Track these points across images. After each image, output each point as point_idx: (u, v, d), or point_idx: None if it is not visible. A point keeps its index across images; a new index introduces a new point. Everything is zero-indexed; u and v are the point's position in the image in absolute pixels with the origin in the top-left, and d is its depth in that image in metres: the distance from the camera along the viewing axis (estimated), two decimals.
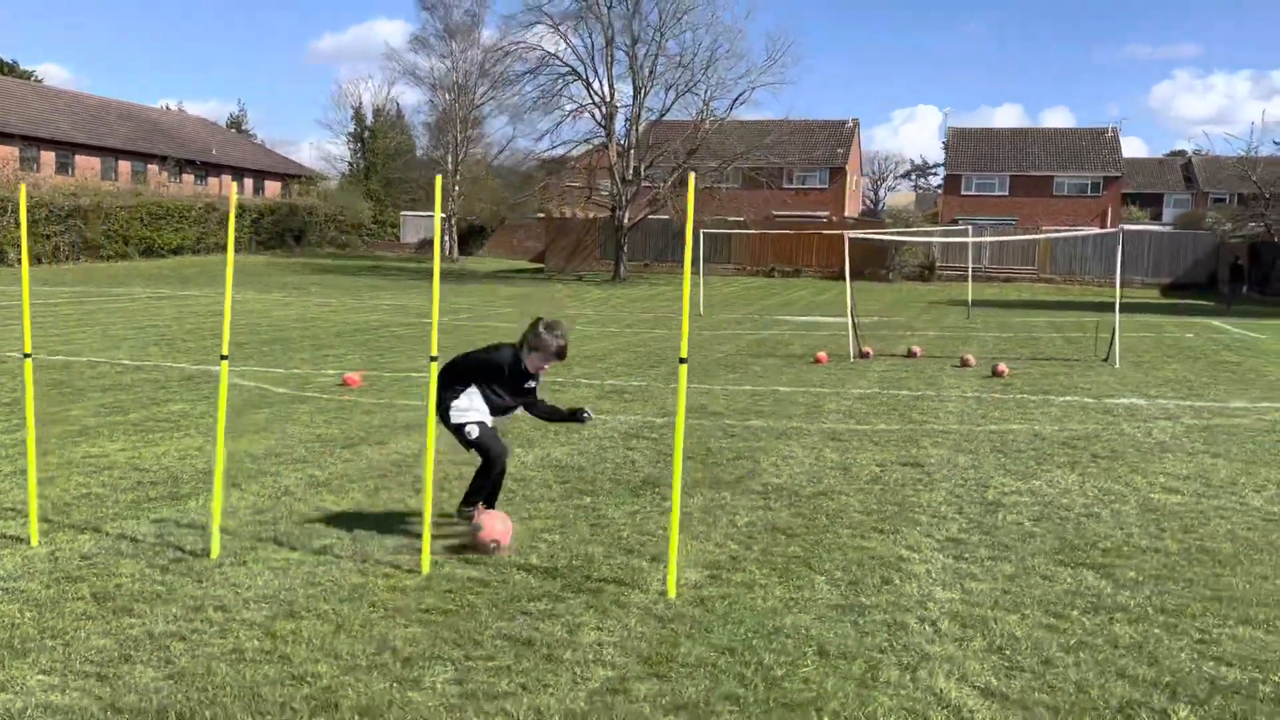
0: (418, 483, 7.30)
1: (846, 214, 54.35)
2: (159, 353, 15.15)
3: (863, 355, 17.09)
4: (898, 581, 5.02)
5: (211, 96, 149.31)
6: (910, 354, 17.39)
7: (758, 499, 6.82)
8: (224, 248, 51.04)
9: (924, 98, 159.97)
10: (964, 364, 15.76)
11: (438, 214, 5.40)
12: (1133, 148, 75.64)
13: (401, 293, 33.51)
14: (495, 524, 5.45)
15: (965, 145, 55.35)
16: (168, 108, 79.37)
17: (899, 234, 34.66)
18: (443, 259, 55.24)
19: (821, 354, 16.68)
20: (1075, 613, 4.61)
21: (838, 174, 54.77)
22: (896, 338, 20.68)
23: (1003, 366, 14.76)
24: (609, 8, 41.33)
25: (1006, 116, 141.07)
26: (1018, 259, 45.27)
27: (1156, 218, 63.17)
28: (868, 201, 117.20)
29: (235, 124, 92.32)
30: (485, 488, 6.01)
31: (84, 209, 42.35)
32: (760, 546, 5.67)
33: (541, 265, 49.85)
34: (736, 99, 41.81)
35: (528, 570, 5.20)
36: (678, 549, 5.59)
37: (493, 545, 5.40)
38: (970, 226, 36.87)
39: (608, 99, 41.87)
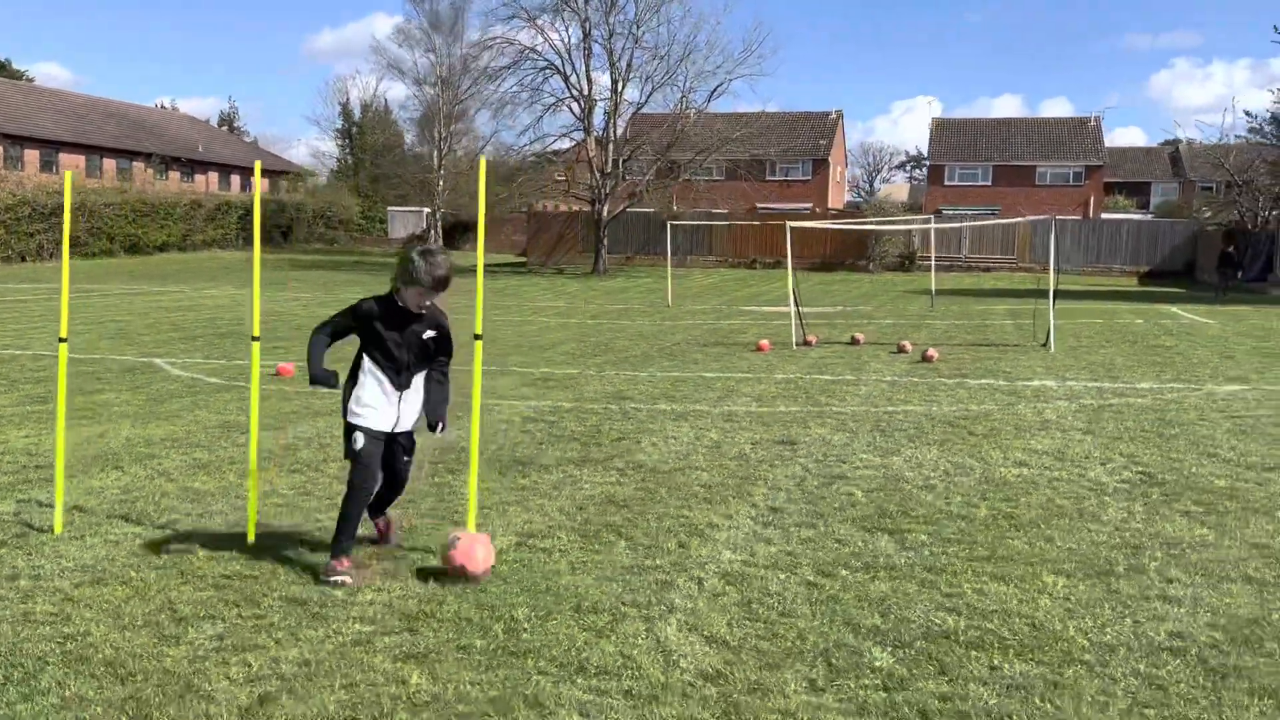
0: (295, 463, 7.58)
1: (830, 205, 54.51)
2: (109, 346, 15.43)
3: (806, 343, 17.31)
4: (694, 546, 5.26)
5: (210, 94, 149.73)
6: (853, 341, 17.60)
7: (613, 474, 7.06)
8: (210, 244, 51.45)
9: (924, 89, 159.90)
10: (900, 350, 15.98)
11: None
12: (1131, 137, 75.82)
13: (379, 287, 33.63)
14: (476, 550, 4.71)
15: (948, 136, 55.49)
16: (161, 106, 79.73)
17: (836, 224, 34.90)
18: None
19: (764, 342, 16.89)
20: (844, 571, 4.85)
21: (821, 166, 54.95)
22: (851, 326, 20.88)
23: (933, 351, 14.98)
24: (585, 1, 41.52)
25: (1006, 107, 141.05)
26: (997, 249, 45.43)
27: (1144, 206, 63.25)
28: (863, 192, 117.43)
29: (227, 121, 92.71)
30: (351, 529, 4.83)
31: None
32: (584, 516, 5.92)
33: (525, 259, 50.10)
34: (714, 90, 42.02)
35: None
36: (505, 520, 5.86)
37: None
38: (933, 216, 37.01)
39: (586, 92, 42.07)
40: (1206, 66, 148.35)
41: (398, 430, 5.05)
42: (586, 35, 41.93)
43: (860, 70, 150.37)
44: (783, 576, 4.76)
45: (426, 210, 56.04)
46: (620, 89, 42.21)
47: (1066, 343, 17.06)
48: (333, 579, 4.63)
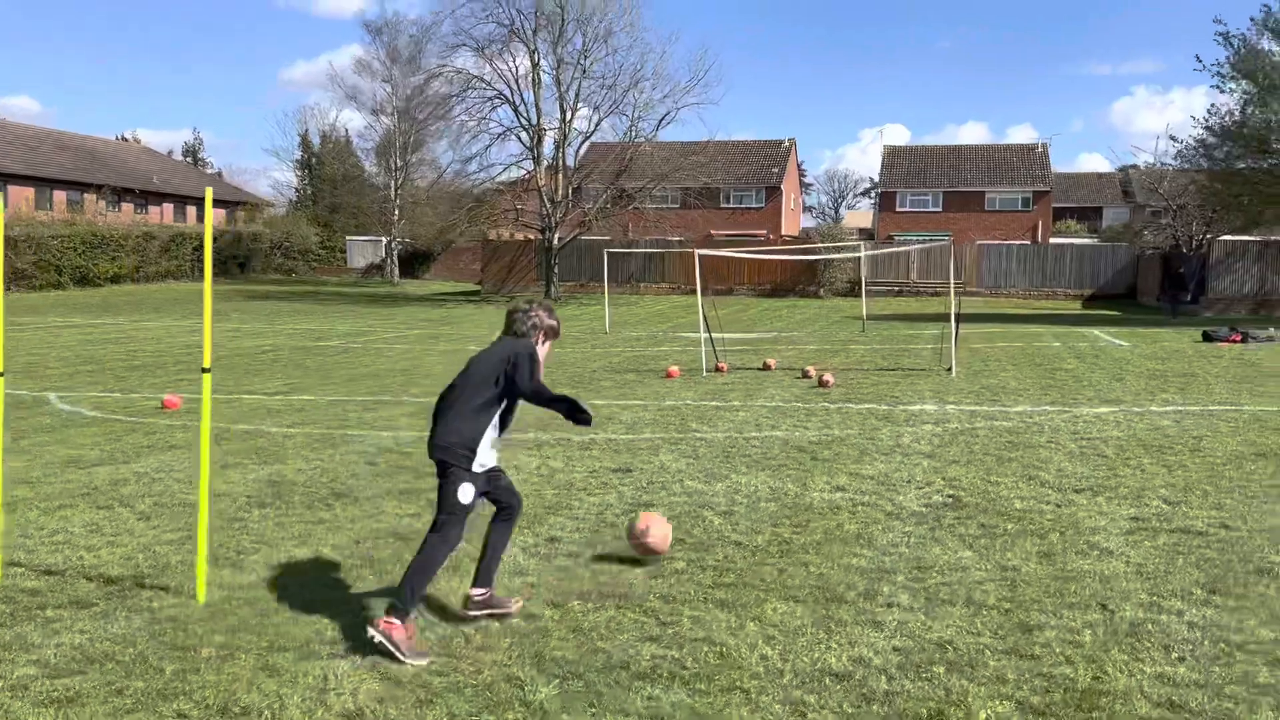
0: (103, 499, 7.52)
1: (785, 232, 54.96)
2: (10, 381, 15.33)
3: (717, 369, 17.42)
4: (441, 581, 5.29)
5: (184, 125, 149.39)
6: (765, 367, 17.73)
7: (420, 506, 7.08)
8: (165, 276, 51.22)
9: (893, 117, 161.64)
10: (805, 375, 16.13)
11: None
12: (1095, 163, 76.91)
13: (322, 318, 33.65)
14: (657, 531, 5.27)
15: (899, 163, 56.15)
16: (123, 138, 79.50)
17: (748, 252, 35.31)
18: (382, 281, 55.73)
19: (673, 368, 17.00)
20: (576, 602, 4.91)
21: (774, 193, 55.41)
22: (777, 351, 21.00)
23: (828, 376, 15.13)
24: (534, 31, 41.87)
25: (972, 134, 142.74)
26: (943, 274, 45.86)
27: (1096, 231, 64.03)
28: (829, 219, 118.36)
29: (191, 152, 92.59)
30: (426, 583, 4.49)
31: (13, 239, 42.38)
32: (351, 551, 5.96)
33: (480, 287, 50.17)
34: (662, 119, 42.36)
35: (95, 579, 5.42)
36: (263, 556, 5.87)
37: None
38: (858, 242, 37.33)
39: (534, 122, 42.33)
40: (1166, 94, 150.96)
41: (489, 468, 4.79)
42: (535, 65, 42.26)
43: (831, 98, 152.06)
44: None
45: (385, 240, 56.06)
46: (569, 118, 42.51)
47: (973, 367, 17.27)
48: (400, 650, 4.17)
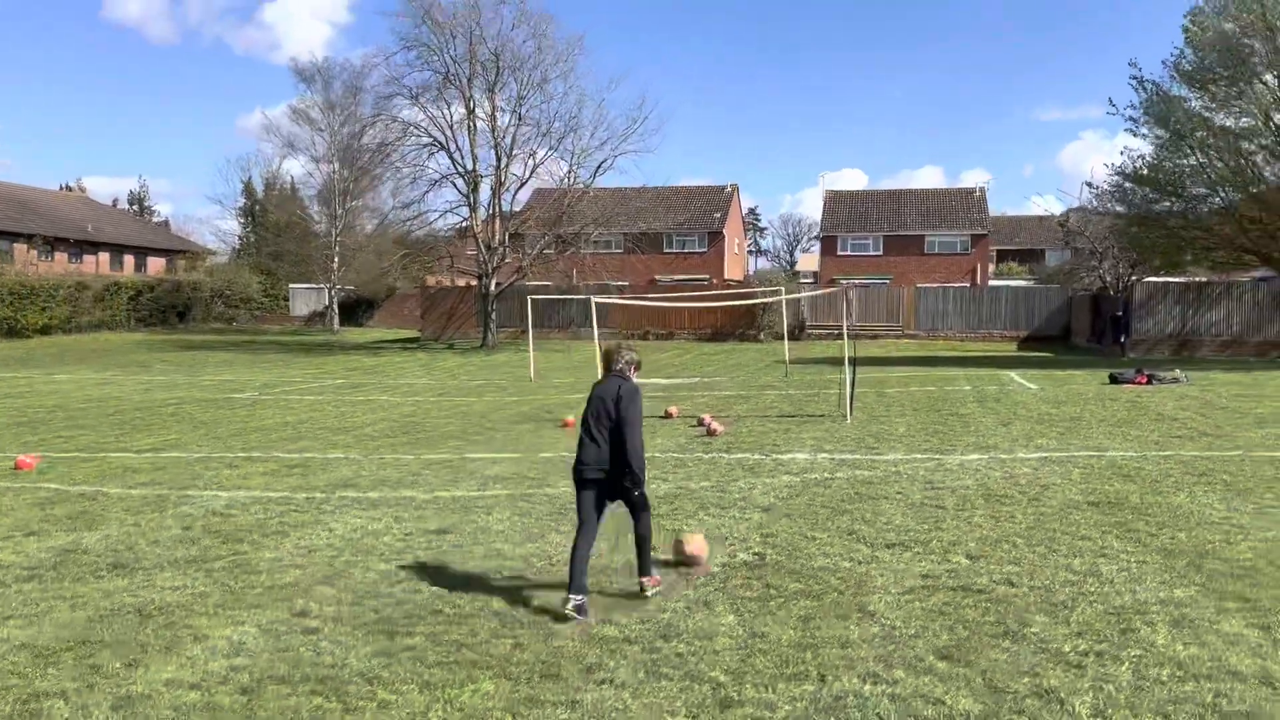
0: None
1: (728, 276, 55.21)
2: None
3: None
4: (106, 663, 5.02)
5: (142, 173, 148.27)
6: (666, 415, 17.57)
7: (193, 577, 6.80)
8: (98, 326, 50.38)
9: (849, 162, 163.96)
10: (700, 423, 16.00)
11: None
12: (1045, 206, 78.18)
13: (247, 368, 33.12)
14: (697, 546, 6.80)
15: (840, 207, 56.75)
16: (67, 187, 78.58)
17: (636, 299, 35.37)
18: (322, 330, 55.20)
19: (569, 418, 16.79)
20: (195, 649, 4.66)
21: (716, 238, 55.73)
22: (694, 398, 20.86)
23: (716, 425, 14.99)
24: (468, 79, 42.00)
25: (927, 178, 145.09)
26: (882, 317, 46.21)
27: (1035, 274, 64.90)
28: (784, 262, 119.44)
29: (138, 200, 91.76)
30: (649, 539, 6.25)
31: None
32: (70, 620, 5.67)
33: (419, 335, 49.82)
34: (599, 166, 42.51)
35: None
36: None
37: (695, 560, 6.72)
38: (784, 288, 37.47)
39: (469, 169, 42.33)
40: (1113, 139, 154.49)
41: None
42: (470, 112, 42.34)
43: (790, 143, 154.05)
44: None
45: (326, 288, 55.61)
46: (504, 165, 42.57)
47: (874, 412, 17.23)
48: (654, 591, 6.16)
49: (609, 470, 5.97)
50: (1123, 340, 32.51)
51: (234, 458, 12.85)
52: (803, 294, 24.59)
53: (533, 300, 31.15)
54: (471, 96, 42.09)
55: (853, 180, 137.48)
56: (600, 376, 6.33)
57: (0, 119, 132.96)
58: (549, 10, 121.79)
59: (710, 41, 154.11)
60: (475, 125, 42.50)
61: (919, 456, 11.99)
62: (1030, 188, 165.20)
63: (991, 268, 63.99)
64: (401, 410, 19.19)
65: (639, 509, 6.15)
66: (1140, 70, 29.22)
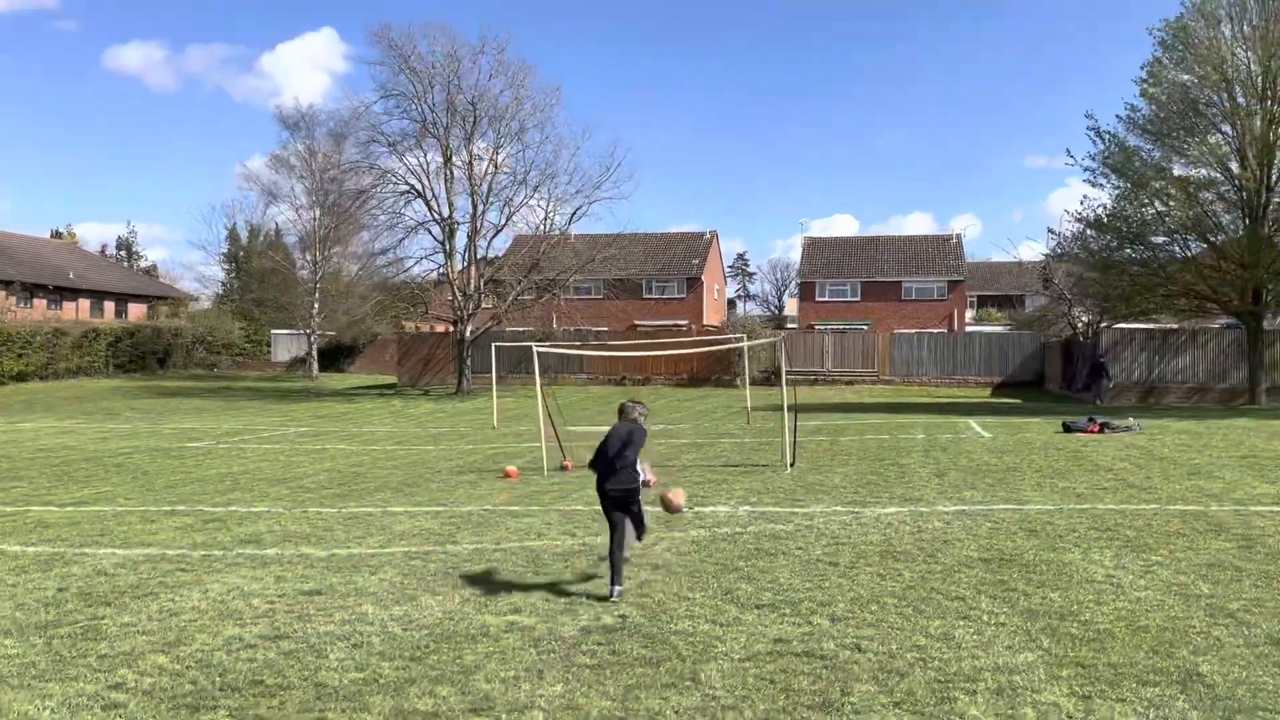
0: None
1: (707, 322, 55.32)
2: None
3: (562, 468, 17.15)
4: None
5: (140, 218, 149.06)
6: None
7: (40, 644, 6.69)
8: (75, 372, 50.28)
9: (840, 207, 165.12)
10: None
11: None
12: (1032, 252, 78.72)
13: (214, 415, 33.01)
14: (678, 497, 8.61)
15: (818, 254, 57.06)
16: (56, 233, 78.88)
17: (556, 346, 35.45)
18: (302, 376, 55.13)
19: (511, 469, 16.69)
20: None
21: (695, 284, 55.95)
22: (647, 448, 20.72)
23: (650, 476, 14.88)
24: (446, 128, 42.37)
25: (917, 224, 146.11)
26: (858, 362, 46.25)
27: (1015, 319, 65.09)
28: (773, 307, 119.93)
29: (126, 246, 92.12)
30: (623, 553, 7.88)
31: None
32: None
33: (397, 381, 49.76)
34: (574, 213, 42.77)
35: None
36: None
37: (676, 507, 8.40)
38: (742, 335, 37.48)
39: (446, 216, 42.56)
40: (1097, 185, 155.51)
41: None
42: (447, 160, 42.65)
43: (781, 189, 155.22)
44: None
45: (306, 333, 55.63)
46: (480, 212, 42.82)
47: (817, 462, 17.17)
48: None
49: (627, 491, 7.92)
50: (1104, 387, 32.35)
51: (156, 512, 12.74)
52: (746, 342, 24.53)
53: (497, 347, 31.06)
54: (449, 145, 42.44)
55: (844, 226, 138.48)
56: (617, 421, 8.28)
57: (4, 165, 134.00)
58: (536, 58, 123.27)
59: (699, 88, 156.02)
60: (452, 173, 42.82)
61: (839, 509, 11.92)
62: (1019, 233, 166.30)
63: (971, 313, 64.25)
64: (351, 460, 19.09)
65: (639, 524, 8.07)
66: (1096, 121, 29.60)
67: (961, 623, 6.70)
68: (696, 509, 12.15)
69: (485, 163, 42.87)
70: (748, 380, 31.26)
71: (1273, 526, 10.05)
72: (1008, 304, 66.29)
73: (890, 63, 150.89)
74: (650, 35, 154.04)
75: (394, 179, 42.78)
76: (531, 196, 42.12)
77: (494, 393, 29.94)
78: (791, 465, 16.61)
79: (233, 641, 6.44)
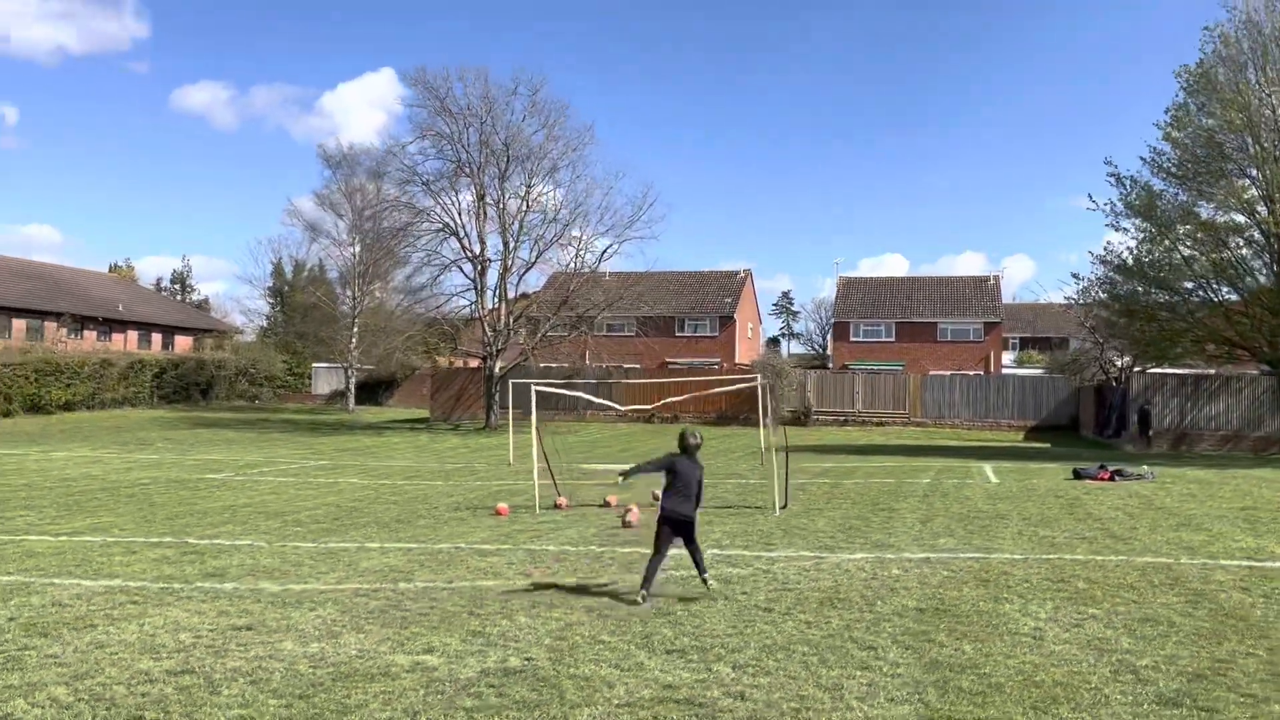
0: None
1: (738, 360, 55.28)
2: None
3: (555, 506, 17.26)
4: None
5: (184, 253, 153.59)
6: (604, 504, 17.54)
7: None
8: (122, 403, 51.59)
9: (890, 247, 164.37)
10: (605, 504, 16.04)
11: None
12: (1060, 296, 77.78)
13: (242, 447, 33.68)
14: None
15: (854, 293, 56.85)
16: (115, 266, 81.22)
17: (545, 384, 35.28)
18: (339, 409, 55.98)
19: (502, 506, 16.83)
20: None
21: (728, 323, 56.01)
22: (635, 486, 20.78)
23: (633, 517, 14.95)
24: (479, 167, 43.16)
25: (968, 264, 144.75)
26: (889, 404, 45.85)
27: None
28: (816, 346, 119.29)
29: (180, 279, 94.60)
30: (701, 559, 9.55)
31: None
32: None
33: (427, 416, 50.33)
34: (604, 251, 43.24)
35: None
36: None
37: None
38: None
39: (478, 253, 43.23)
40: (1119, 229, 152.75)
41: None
42: (481, 198, 43.41)
43: (831, 229, 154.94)
44: None
45: (344, 367, 56.61)
46: (512, 250, 43.43)
47: (809, 505, 17.11)
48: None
49: (688, 517, 9.21)
50: (1148, 433, 31.59)
51: (142, 543, 13.06)
52: (726, 388, 24.47)
53: (513, 384, 31.32)
54: (482, 183, 43.22)
55: (894, 265, 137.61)
56: (678, 452, 9.52)
57: (71, 200, 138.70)
58: (583, 95, 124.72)
59: (748, 125, 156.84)
60: (485, 211, 43.55)
61: (806, 554, 11.87)
62: (1069, 274, 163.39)
63: (1011, 355, 63.40)
64: (356, 495, 19.38)
65: (694, 542, 9.43)
66: (1116, 166, 29.29)
67: (859, 673, 6.67)
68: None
69: (518, 201, 43.58)
70: (762, 421, 31.11)
71: (1232, 581, 9.84)
72: (1051, 346, 65.31)
73: (944, 101, 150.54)
74: (699, 72, 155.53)
75: (429, 217, 43.65)
76: (561, 235, 42.69)
77: (510, 429, 30.17)
78: (782, 508, 16.56)
79: (138, 676, 6.62)
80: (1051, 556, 11.42)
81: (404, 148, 43.68)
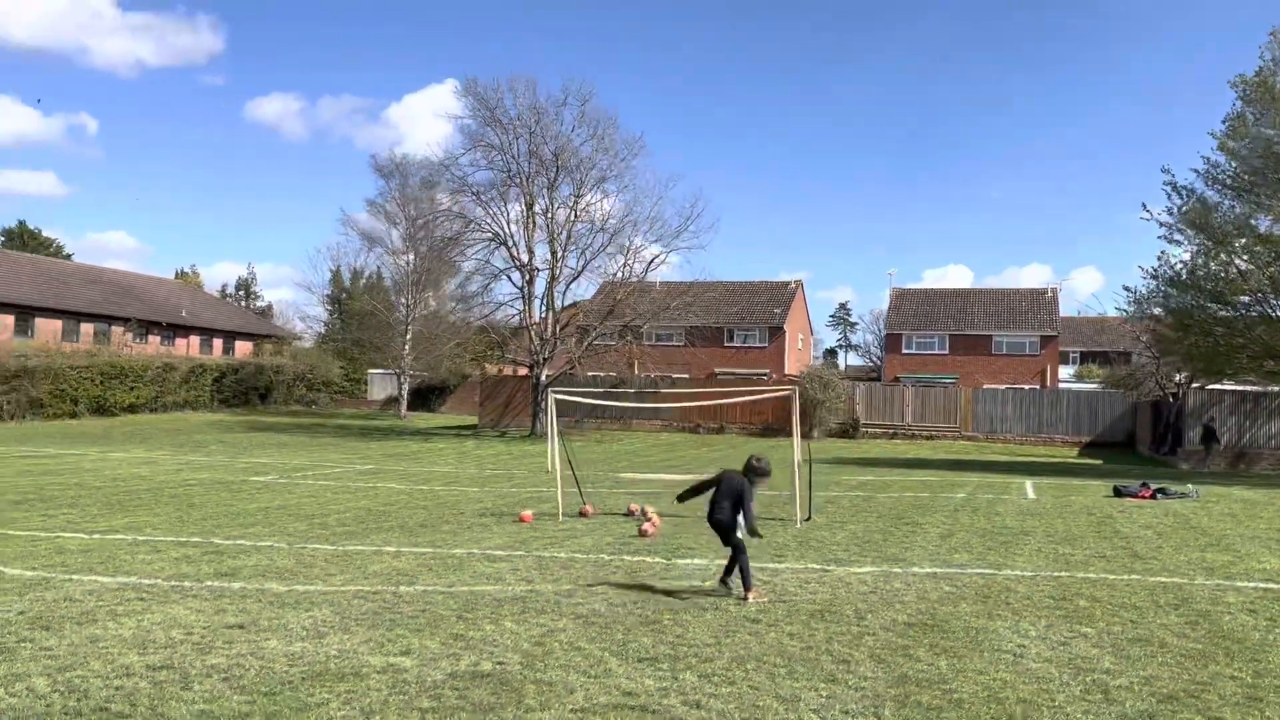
0: None
1: (787, 372, 54.96)
2: None
3: (581, 514, 17.35)
4: None
5: (269, 260, 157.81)
6: (629, 513, 17.57)
7: None
8: (183, 405, 52.99)
9: (953, 259, 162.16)
10: (628, 513, 16.09)
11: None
12: (1112, 308, 76.04)
13: (292, 450, 34.36)
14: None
15: (907, 305, 56.18)
16: (181, 273, 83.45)
17: (567, 395, 35.08)
18: (392, 415, 56.84)
19: (526, 513, 16.96)
20: None
21: (777, 333, 55.73)
22: (663, 496, 20.79)
23: (649, 526, 14.97)
24: (529, 177, 43.59)
25: (1032, 277, 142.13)
26: (939, 417, 45.21)
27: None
28: (874, 358, 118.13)
29: (244, 286, 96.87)
30: (749, 569, 9.97)
31: (32, 370, 44.44)
32: None
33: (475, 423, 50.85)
34: (652, 261, 43.36)
35: None
36: None
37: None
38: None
39: (526, 262, 43.64)
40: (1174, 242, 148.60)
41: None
42: (529, 208, 43.83)
43: (893, 240, 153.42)
44: None
45: (397, 373, 57.48)
46: (561, 258, 43.75)
47: (834, 517, 16.99)
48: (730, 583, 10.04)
49: (727, 524, 9.90)
50: (1213, 450, 30.64)
51: (169, 542, 13.42)
52: (743, 397, 24.29)
53: (553, 394, 31.52)
54: (531, 193, 43.63)
55: (957, 277, 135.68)
56: (733, 468, 10.39)
57: (146, 208, 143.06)
58: (650, 106, 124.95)
59: (811, 135, 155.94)
60: (534, 221, 43.95)
61: (813, 567, 11.79)
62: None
63: (1071, 369, 62.11)
64: (389, 499, 19.65)
65: (737, 549, 9.91)
66: (1173, 176, 28.54)
67: (824, 686, 6.63)
68: (673, 560, 12.19)
69: (566, 211, 43.91)
70: (796, 433, 30.89)
71: (1241, 604, 9.56)
72: (1111, 361, 63.87)
73: (1012, 112, 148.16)
74: (767, 80, 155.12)
75: (480, 226, 44.19)
76: (609, 244, 42.92)
77: (550, 436, 30.39)
78: (805, 520, 16.46)
79: (118, 670, 6.85)
80: (1062, 574, 11.20)
81: (456, 160, 44.25)
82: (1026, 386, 48.94)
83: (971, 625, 8.55)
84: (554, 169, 43.48)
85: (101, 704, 6.03)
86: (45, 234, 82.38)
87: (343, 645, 7.68)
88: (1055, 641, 7.98)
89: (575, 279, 44.17)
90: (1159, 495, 20.22)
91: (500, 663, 7.23)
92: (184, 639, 7.81)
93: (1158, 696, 6.45)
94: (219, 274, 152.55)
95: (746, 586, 9.69)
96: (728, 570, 10.18)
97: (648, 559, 12.30)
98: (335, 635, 8.02)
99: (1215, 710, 6.17)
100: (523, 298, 43.73)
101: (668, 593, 9.99)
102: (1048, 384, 51.52)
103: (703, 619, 8.81)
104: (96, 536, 13.87)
